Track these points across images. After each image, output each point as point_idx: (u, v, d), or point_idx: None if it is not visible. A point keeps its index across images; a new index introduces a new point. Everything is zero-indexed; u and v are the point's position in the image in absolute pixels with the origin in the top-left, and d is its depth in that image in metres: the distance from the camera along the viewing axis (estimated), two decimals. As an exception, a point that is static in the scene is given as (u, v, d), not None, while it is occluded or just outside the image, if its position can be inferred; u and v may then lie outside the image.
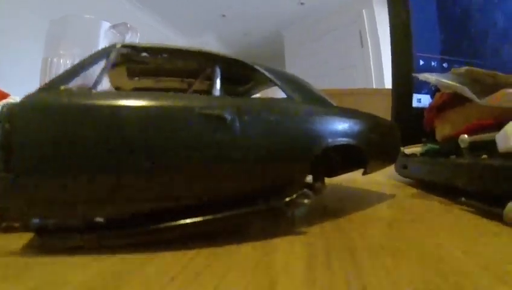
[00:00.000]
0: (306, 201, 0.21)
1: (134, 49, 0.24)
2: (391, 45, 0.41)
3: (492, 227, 0.23)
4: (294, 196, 0.21)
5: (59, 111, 0.18)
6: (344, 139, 0.23)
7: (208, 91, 0.24)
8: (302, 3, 3.12)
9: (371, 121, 0.27)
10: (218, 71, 0.24)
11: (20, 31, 1.92)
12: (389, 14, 0.40)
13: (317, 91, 0.26)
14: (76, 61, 0.49)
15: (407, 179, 0.44)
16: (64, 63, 0.49)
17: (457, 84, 0.31)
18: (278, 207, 0.21)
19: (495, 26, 0.46)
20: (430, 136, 0.39)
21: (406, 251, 0.19)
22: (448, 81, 0.32)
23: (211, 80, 0.24)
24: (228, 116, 0.20)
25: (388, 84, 2.59)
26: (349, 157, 0.28)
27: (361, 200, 0.35)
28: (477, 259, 0.17)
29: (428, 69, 0.43)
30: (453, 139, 0.33)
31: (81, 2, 2.33)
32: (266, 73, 0.25)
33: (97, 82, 0.20)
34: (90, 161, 0.18)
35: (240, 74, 0.30)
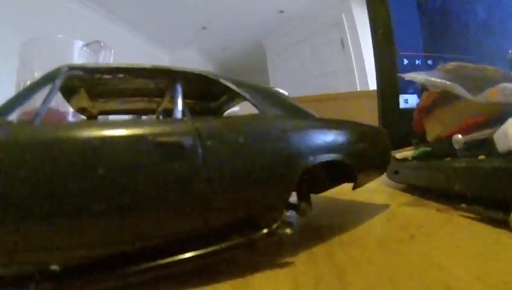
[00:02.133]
0: (288, 231, 0.18)
1: (84, 70, 0.21)
2: (373, 45, 0.39)
3: (499, 236, 0.21)
4: (274, 226, 0.18)
5: None
6: (327, 155, 0.21)
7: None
8: (281, 11, 3.14)
9: (357, 131, 0.25)
10: (179, 89, 0.21)
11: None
12: (369, 14, 0.38)
13: (293, 103, 0.24)
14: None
15: (399, 184, 0.41)
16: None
17: (447, 82, 0.29)
18: (254, 241, 0.18)
19: (476, 17, 0.44)
20: (420, 138, 0.36)
21: (406, 281, 0.16)
22: (436, 80, 0.30)
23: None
24: (187, 143, 0.17)
25: (373, 86, 2.60)
26: (336, 171, 0.25)
27: (352, 214, 0.32)
28: (491, 282, 0.15)
29: (412, 67, 0.41)
30: (446, 140, 0.31)
31: (57, 23, 2.31)
32: (233, 86, 0.22)
33: (39, 113, 0.17)
34: (32, 205, 0.15)
35: (207, 90, 0.27)
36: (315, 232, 0.26)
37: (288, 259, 0.19)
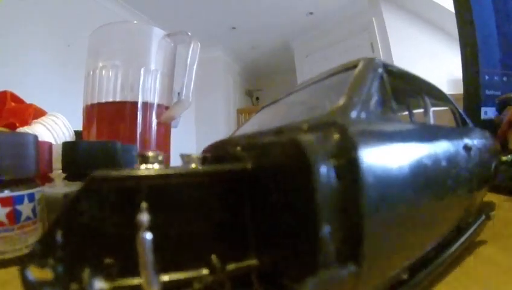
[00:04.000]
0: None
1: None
2: (462, 62, 0.43)
3: None
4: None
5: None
6: None
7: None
8: (311, 13, 3.16)
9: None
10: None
11: (28, 42, 1.94)
12: (459, 32, 0.43)
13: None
14: (122, 73, 0.46)
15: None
16: (107, 76, 0.46)
17: None
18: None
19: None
20: (503, 147, 0.41)
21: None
22: None
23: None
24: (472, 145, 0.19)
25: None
26: None
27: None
28: None
29: (492, 83, 0.44)
30: None
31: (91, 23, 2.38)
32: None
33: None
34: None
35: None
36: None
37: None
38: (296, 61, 3.59)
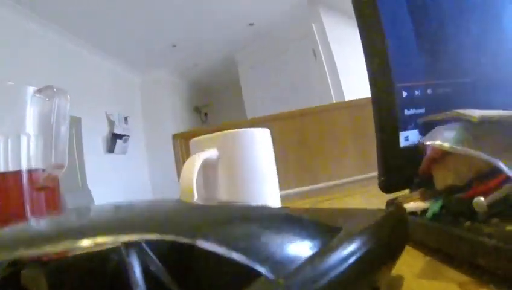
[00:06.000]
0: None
1: None
2: (369, 77, 0.33)
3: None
4: None
5: None
6: None
7: None
8: (251, 24, 3.12)
9: None
10: None
11: None
12: (362, 41, 0.33)
13: None
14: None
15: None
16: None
17: (489, 157, 0.23)
18: None
19: (469, 36, 0.40)
20: (420, 182, 0.31)
21: None
22: (467, 150, 0.24)
23: None
24: None
25: (348, 96, 2.60)
26: None
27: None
28: None
29: (412, 100, 0.35)
30: (464, 199, 0.25)
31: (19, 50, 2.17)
32: None
33: None
34: None
35: None
36: None
37: None
38: (241, 74, 3.53)
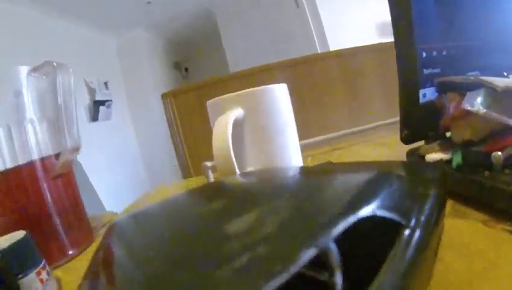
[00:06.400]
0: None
1: None
2: (395, 39, 0.36)
3: None
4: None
5: None
6: None
7: None
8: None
9: None
10: None
11: None
12: (390, 7, 0.35)
13: None
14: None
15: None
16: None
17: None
18: None
19: (482, 1, 0.42)
20: (436, 133, 0.37)
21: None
22: (497, 116, 0.28)
23: None
24: None
25: (333, 46, 2.57)
26: None
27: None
28: None
29: (430, 60, 0.38)
30: (482, 154, 0.30)
31: None
32: None
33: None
34: None
35: None
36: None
37: None
38: (220, 26, 3.39)
